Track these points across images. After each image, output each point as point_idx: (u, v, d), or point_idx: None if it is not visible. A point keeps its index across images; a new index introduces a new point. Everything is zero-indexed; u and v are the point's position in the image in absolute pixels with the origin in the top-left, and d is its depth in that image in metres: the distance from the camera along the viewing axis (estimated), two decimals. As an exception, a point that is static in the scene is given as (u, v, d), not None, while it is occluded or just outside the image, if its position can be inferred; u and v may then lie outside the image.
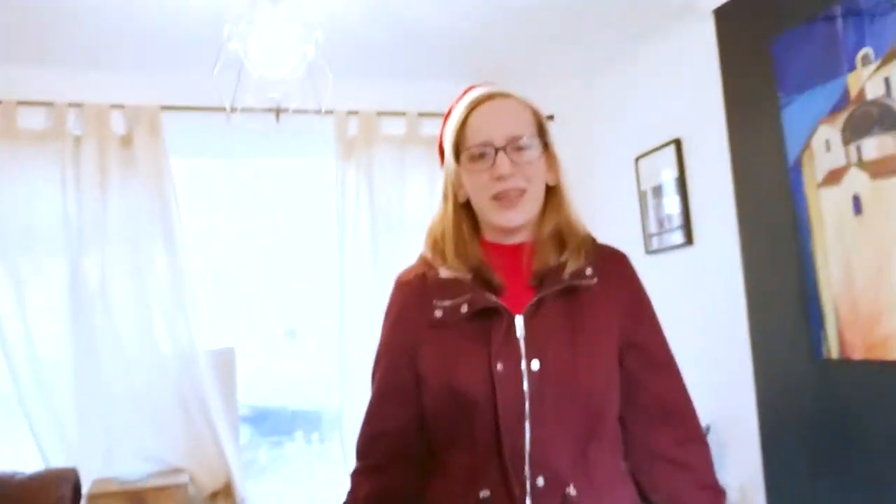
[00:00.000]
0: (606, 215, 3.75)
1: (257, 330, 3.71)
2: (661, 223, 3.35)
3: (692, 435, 1.22)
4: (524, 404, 1.08)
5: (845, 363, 2.27)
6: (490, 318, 1.13)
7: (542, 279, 1.17)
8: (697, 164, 3.10)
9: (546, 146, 1.22)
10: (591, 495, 1.09)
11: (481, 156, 1.16)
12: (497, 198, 1.16)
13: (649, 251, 3.42)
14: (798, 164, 2.40)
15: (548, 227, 1.21)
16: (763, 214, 2.62)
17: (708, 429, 3.00)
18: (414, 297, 1.20)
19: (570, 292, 1.16)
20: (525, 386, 1.08)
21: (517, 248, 1.20)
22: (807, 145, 2.35)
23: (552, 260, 1.18)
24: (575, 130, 3.81)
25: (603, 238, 3.34)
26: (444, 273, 1.18)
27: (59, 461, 2.93)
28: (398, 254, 3.43)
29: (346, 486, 1.23)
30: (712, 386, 3.02)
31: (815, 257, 2.36)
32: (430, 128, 3.60)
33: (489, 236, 1.22)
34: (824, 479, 2.38)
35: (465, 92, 1.27)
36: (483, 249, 1.21)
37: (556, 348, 1.11)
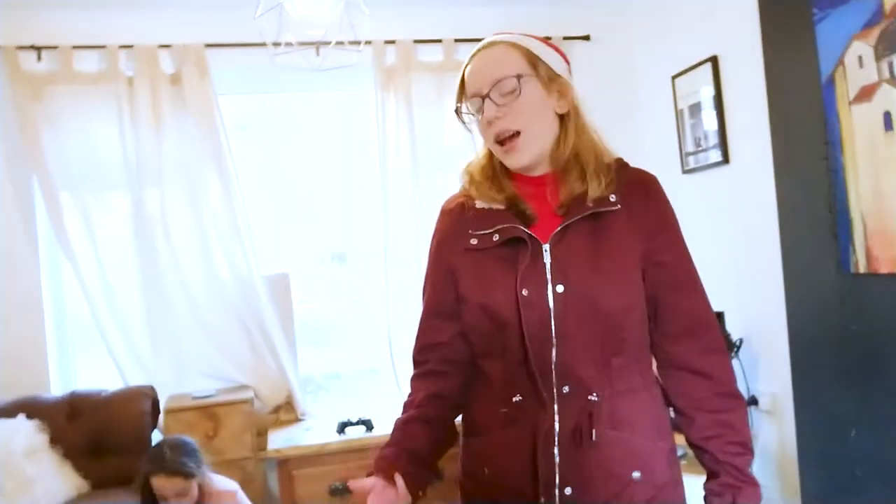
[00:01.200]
0: (644, 135, 3.79)
1: (307, 254, 3.89)
2: (697, 142, 3.38)
3: (712, 346, 1.30)
4: (550, 324, 1.20)
5: (872, 277, 2.34)
6: (519, 246, 1.24)
7: (568, 207, 1.26)
8: (734, 81, 3.10)
9: (544, 79, 1.27)
10: (612, 400, 1.23)
11: (477, 108, 1.27)
12: (498, 142, 1.26)
13: (686, 170, 3.46)
14: (831, 81, 2.41)
15: (564, 155, 1.28)
16: (796, 131, 2.65)
17: (741, 341, 3.12)
18: (454, 224, 1.32)
19: (595, 217, 1.25)
20: (551, 307, 1.20)
21: (542, 179, 1.30)
22: (840, 61, 2.35)
23: (576, 188, 1.26)
24: (611, 50, 3.81)
25: (640, 158, 3.47)
26: (480, 204, 1.29)
27: (136, 380, 3.22)
28: (438, 178, 3.57)
29: (406, 391, 1.41)
30: (746, 301, 3.13)
31: (845, 174, 2.39)
32: (467, 54, 3.64)
33: (517, 169, 1.32)
34: (850, 390, 2.49)
35: None
36: (514, 182, 1.31)
37: (579, 273, 1.22)
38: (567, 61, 1.34)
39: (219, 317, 3.39)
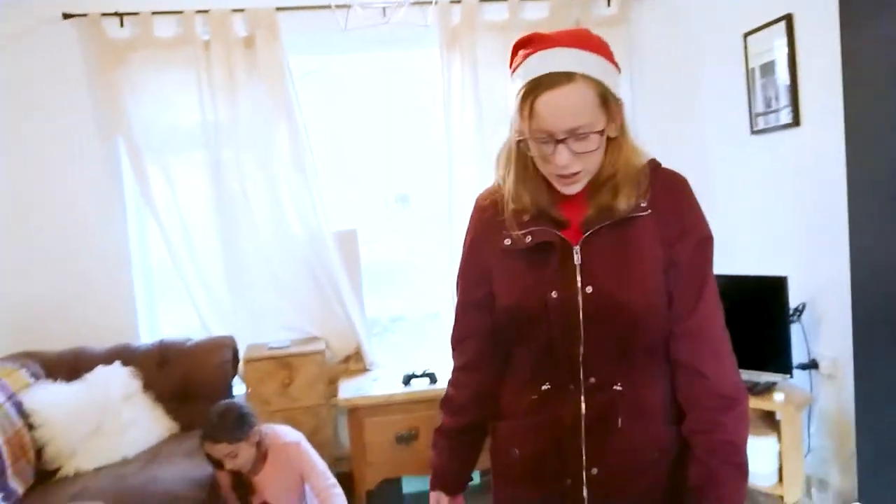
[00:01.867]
0: (712, 94, 3.72)
1: (373, 197, 3.99)
2: (768, 102, 3.31)
3: (714, 350, 1.33)
4: (579, 323, 1.27)
5: (939, 250, 2.31)
6: (549, 250, 1.29)
7: (599, 213, 1.29)
8: (808, 41, 3.01)
9: (614, 109, 1.26)
10: (634, 390, 1.31)
11: (544, 142, 1.24)
12: (558, 175, 1.28)
13: (755, 131, 3.40)
14: (908, 48, 2.34)
15: (606, 174, 1.30)
16: (870, 95, 2.58)
17: (803, 306, 3.12)
18: (489, 222, 1.37)
19: (625, 223, 1.29)
20: (580, 307, 1.27)
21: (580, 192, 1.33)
22: (918, 29, 2.28)
23: (608, 199, 1.29)
24: (681, 6, 3.73)
25: (708, 117, 3.41)
26: (513, 205, 1.32)
27: (217, 331, 3.46)
28: (502, 131, 3.60)
29: (448, 376, 1.53)
30: (810, 265, 3.11)
31: (918, 145, 2.35)
32: (532, 12, 3.64)
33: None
34: (910, 358, 2.49)
35: (530, 41, 1.27)
36: (548, 185, 1.33)
37: (606, 275, 1.27)
38: (619, 69, 1.32)
39: (292, 272, 3.59)
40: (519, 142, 1.30)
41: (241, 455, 2.54)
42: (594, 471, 1.30)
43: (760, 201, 3.43)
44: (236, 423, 2.55)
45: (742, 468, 1.28)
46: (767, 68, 3.28)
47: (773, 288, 3.05)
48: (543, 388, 1.32)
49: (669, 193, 1.33)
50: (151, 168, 3.45)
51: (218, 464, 2.57)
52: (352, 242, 3.70)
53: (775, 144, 3.30)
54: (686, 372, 1.32)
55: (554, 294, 1.27)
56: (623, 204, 1.28)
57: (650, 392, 1.33)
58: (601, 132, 1.24)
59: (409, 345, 4.04)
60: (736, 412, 1.29)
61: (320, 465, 2.70)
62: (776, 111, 3.25)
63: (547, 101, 1.20)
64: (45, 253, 3.41)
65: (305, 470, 2.66)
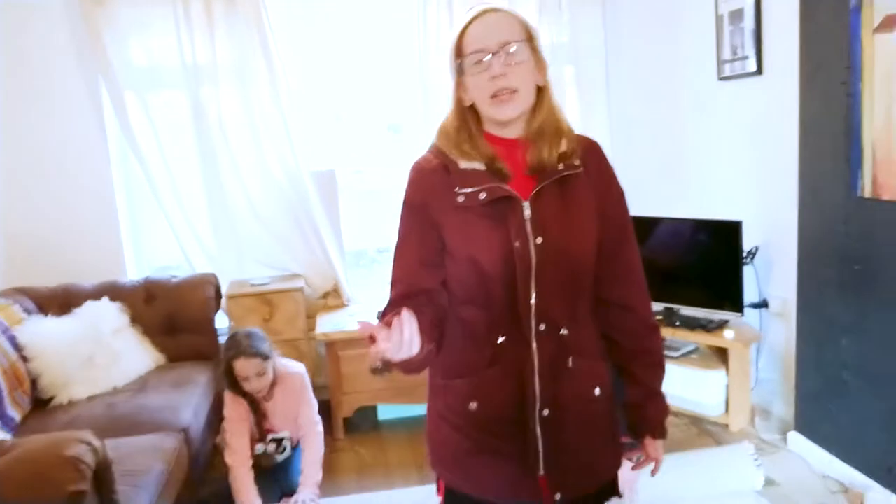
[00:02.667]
0: (682, 40, 3.80)
1: (364, 124, 4.05)
2: (734, 50, 3.40)
3: (639, 287, 1.53)
4: (531, 271, 1.39)
5: (876, 202, 2.47)
6: (504, 204, 1.40)
7: (540, 169, 1.42)
8: (774, -9, 3.08)
9: (535, 51, 1.42)
10: (576, 332, 1.45)
11: (479, 62, 1.38)
12: (494, 96, 1.38)
13: (721, 77, 3.51)
14: (858, 7, 2.43)
15: (537, 123, 1.43)
16: (822, 52, 2.69)
17: (756, 249, 3.30)
18: (438, 183, 1.44)
19: (563, 179, 1.42)
20: (532, 256, 1.39)
21: (514, 142, 1.45)
22: (869, -12, 2.37)
23: (545, 152, 1.42)
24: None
25: (679, 62, 3.57)
26: (463, 164, 1.42)
27: (200, 267, 3.60)
28: None
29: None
30: (764, 211, 3.27)
31: (862, 100, 2.47)
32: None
33: (491, 129, 1.45)
34: (846, 301, 2.68)
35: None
36: (489, 142, 1.44)
37: (554, 227, 1.40)
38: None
39: (273, 210, 3.71)
40: (461, 102, 1.45)
41: (267, 374, 2.71)
42: (545, 412, 1.43)
43: (723, 147, 3.56)
44: (265, 342, 2.74)
45: (663, 374, 1.57)
46: (736, 15, 3.36)
47: (729, 232, 3.22)
48: (499, 341, 1.43)
49: (594, 154, 1.49)
50: (132, 107, 3.51)
51: (237, 388, 2.69)
52: (331, 182, 3.81)
53: (739, 92, 3.41)
54: (617, 308, 1.51)
55: (517, 244, 1.39)
56: (563, 157, 1.42)
57: (589, 332, 1.49)
58: (530, 46, 1.41)
59: (386, 279, 4.20)
60: (658, 338, 1.55)
61: (314, 401, 2.89)
62: (742, 59, 3.34)
63: (481, 22, 1.41)
64: (32, 191, 3.51)
65: (301, 401, 2.84)
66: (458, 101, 1.46)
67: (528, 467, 1.45)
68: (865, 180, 2.50)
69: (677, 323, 3.39)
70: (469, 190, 1.40)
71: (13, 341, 2.80)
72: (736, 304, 3.25)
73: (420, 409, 3.57)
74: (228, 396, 2.75)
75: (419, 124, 3.89)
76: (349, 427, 3.52)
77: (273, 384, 2.78)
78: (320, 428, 2.88)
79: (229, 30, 3.54)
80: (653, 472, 1.60)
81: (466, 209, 1.41)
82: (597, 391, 1.49)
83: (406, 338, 1.19)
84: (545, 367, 1.43)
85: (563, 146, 1.43)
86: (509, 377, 1.44)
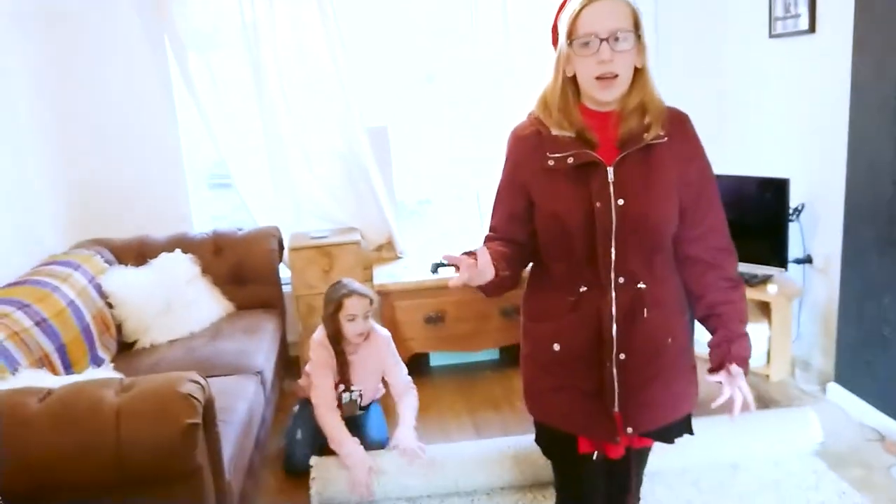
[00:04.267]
0: (734, -4, 3.80)
1: (401, 75, 4.12)
2: (787, 7, 3.41)
3: (722, 245, 1.66)
4: (612, 229, 1.55)
5: (925, 163, 2.54)
6: (589, 168, 1.56)
7: (628, 139, 1.56)
8: (830, -53, 3.08)
9: (639, 38, 1.53)
10: (652, 287, 1.61)
11: (587, 44, 1.51)
12: (598, 78, 1.53)
13: (773, 35, 3.52)
14: (916, -31, 2.46)
15: (633, 102, 1.57)
16: (878, 14, 2.72)
17: (802, 206, 3.37)
18: (531, 148, 1.62)
19: (648, 148, 1.57)
20: (613, 216, 1.55)
21: (608, 115, 1.59)
22: (927, -49, 2.39)
23: (635, 127, 1.56)
24: None
25: (729, 19, 3.63)
26: (555, 131, 1.59)
27: (262, 220, 3.79)
28: (526, 11, 3.84)
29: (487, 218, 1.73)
30: (811, 168, 3.33)
31: (916, 63, 2.51)
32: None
33: (588, 104, 1.60)
34: (890, 258, 2.77)
35: None
36: (583, 114, 1.60)
37: (635, 191, 1.55)
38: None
39: (329, 166, 3.87)
40: (564, 73, 1.58)
41: (370, 319, 2.84)
42: (622, 356, 1.61)
43: (773, 105, 3.60)
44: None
45: (746, 322, 1.67)
46: (790, -28, 3.35)
47: (776, 188, 3.30)
48: (581, 290, 1.61)
49: (680, 126, 1.62)
50: (195, 65, 3.66)
51: (337, 334, 2.78)
52: (383, 138, 3.94)
53: (790, 50, 3.43)
54: (702, 264, 1.66)
55: (598, 204, 1.55)
56: (652, 131, 1.56)
57: (666, 287, 1.65)
58: (637, 36, 1.53)
59: (436, 232, 4.36)
60: (741, 292, 1.68)
61: (401, 362, 3.00)
62: (795, 17, 3.36)
63: (595, 8, 1.51)
64: (102, 146, 3.69)
65: (389, 362, 2.94)
66: (562, 72, 1.59)
67: (604, 404, 1.63)
68: (915, 142, 2.56)
69: (721, 277, 3.49)
70: (558, 155, 1.57)
71: (98, 289, 3.02)
72: (781, 260, 3.34)
73: (469, 357, 3.80)
74: (316, 342, 2.83)
75: (452, 76, 4.00)
76: (403, 372, 3.72)
77: (365, 336, 2.86)
78: (415, 388, 2.97)
79: (287, -11, 3.65)
80: (733, 410, 1.60)
81: (555, 171, 1.58)
82: (669, 340, 1.65)
83: (481, 267, 1.45)
84: (622, 316, 1.60)
85: (651, 118, 1.56)
86: (589, 323, 1.61)
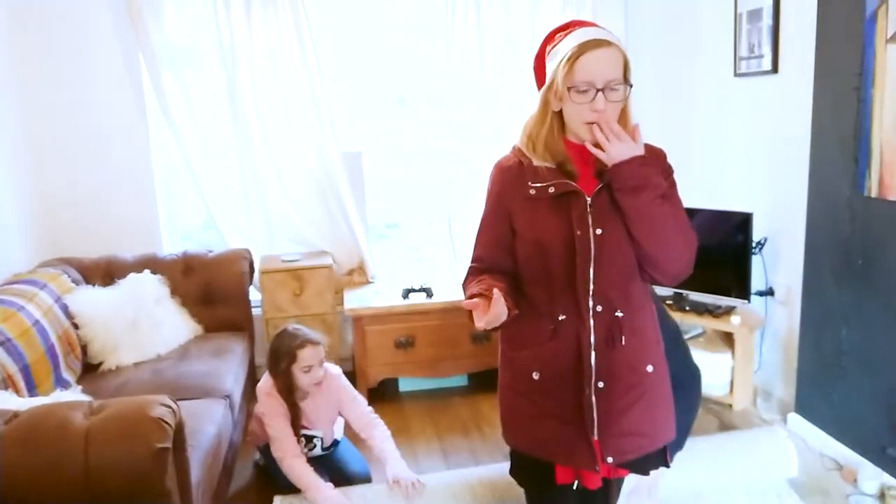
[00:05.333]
0: (701, 35, 3.93)
1: (372, 98, 4.14)
2: (751, 48, 3.54)
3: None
4: (590, 257, 1.60)
5: (881, 202, 2.64)
6: (569, 197, 1.61)
7: (604, 172, 1.61)
8: (793, -6, 3.22)
9: (627, 83, 1.58)
10: (629, 315, 1.66)
11: (584, 91, 1.55)
12: (589, 122, 1.58)
13: (737, 74, 3.65)
14: (874, 17, 2.58)
15: None
16: (836, 57, 2.84)
17: (765, 240, 3.47)
18: (513, 178, 1.67)
19: None
20: (591, 244, 1.60)
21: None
22: (884, 0, 2.51)
23: None
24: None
25: (697, 58, 3.74)
26: (537, 162, 1.64)
27: (235, 243, 3.78)
28: (499, 37, 3.93)
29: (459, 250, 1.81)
30: (774, 204, 3.44)
31: (873, 105, 2.63)
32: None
33: (570, 137, 1.66)
34: (848, 290, 2.87)
35: (569, 25, 1.63)
36: (565, 146, 1.65)
37: (612, 221, 1.61)
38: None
39: (302, 189, 3.87)
40: (548, 108, 1.63)
41: (323, 364, 2.68)
42: (601, 384, 1.64)
43: (737, 142, 3.72)
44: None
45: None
46: (754, 15, 3.49)
47: (740, 222, 3.40)
48: (560, 318, 1.65)
49: (656, 161, 1.68)
50: (170, 85, 3.64)
51: (290, 385, 2.63)
52: (357, 163, 3.97)
53: (754, 88, 3.56)
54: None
55: (579, 232, 1.60)
56: None
57: (643, 315, 1.70)
58: (627, 85, 1.58)
59: (406, 256, 4.39)
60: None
61: (359, 395, 2.83)
62: (759, 57, 3.48)
63: (593, 57, 1.55)
64: (71, 164, 3.65)
65: (345, 400, 2.78)
66: (547, 105, 1.64)
67: (583, 432, 1.66)
68: (872, 181, 2.67)
69: (686, 307, 3.58)
70: (540, 184, 1.63)
71: (65, 309, 2.98)
72: (743, 292, 3.43)
73: (438, 383, 3.81)
74: (263, 392, 2.69)
75: (424, 100, 4.08)
76: (372, 397, 3.71)
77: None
78: (377, 416, 2.80)
79: (264, 11, 3.67)
80: None
81: (537, 200, 1.63)
82: (649, 368, 1.69)
83: (498, 313, 1.53)
84: (600, 343, 1.64)
85: None
86: (568, 350, 1.65)
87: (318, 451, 2.81)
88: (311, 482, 2.52)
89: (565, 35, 1.62)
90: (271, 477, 2.83)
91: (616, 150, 1.56)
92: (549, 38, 1.66)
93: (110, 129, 3.69)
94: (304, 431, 2.73)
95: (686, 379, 2.44)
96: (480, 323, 1.52)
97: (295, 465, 2.58)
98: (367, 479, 2.80)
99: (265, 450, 2.85)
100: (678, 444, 2.43)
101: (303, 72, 3.74)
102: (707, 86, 3.92)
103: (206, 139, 3.75)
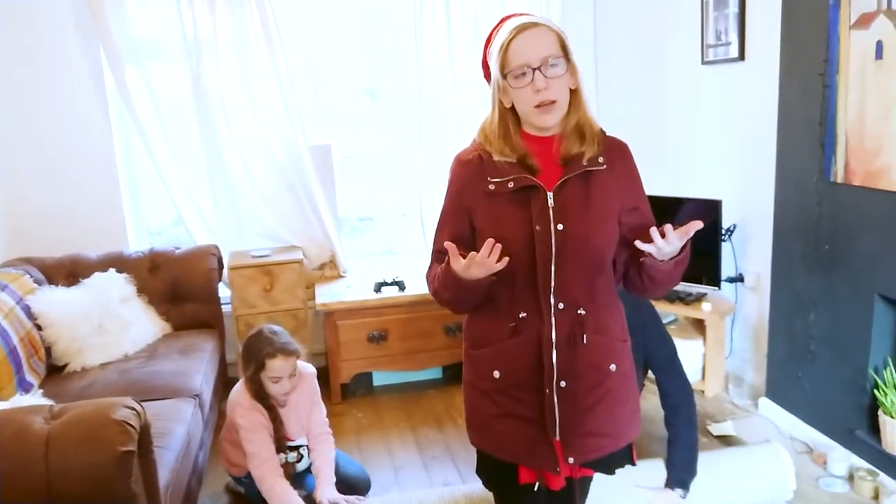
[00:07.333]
0: (669, 23, 3.94)
1: (341, 89, 4.11)
2: (718, 35, 3.55)
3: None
4: (551, 254, 1.57)
5: (847, 187, 2.66)
6: (529, 192, 1.58)
7: (567, 163, 1.59)
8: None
9: (569, 61, 1.57)
10: (593, 313, 1.63)
11: (522, 74, 1.53)
12: (537, 106, 1.55)
13: (705, 62, 3.66)
14: (837, 4, 2.59)
15: (571, 122, 1.60)
16: (802, 44, 2.85)
17: (734, 226, 3.49)
18: (473, 172, 1.64)
19: (587, 174, 1.59)
20: (553, 240, 1.57)
21: (550, 139, 1.62)
22: (847, -14, 2.53)
23: (574, 148, 1.59)
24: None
25: (664, 46, 3.73)
26: (496, 157, 1.61)
27: (201, 238, 3.72)
28: (469, 28, 3.89)
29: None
30: (743, 190, 3.46)
31: (837, 92, 2.64)
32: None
33: (529, 130, 1.63)
34: (816, 276, 2.89)
35: (502, 22, 1.62)
36: (524, 140, 1.62)
37: (575, 215, 1.57)
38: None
39: (272, 183, 3.82)
40: (502, 104, 1.60)
41: (296, 374, 2.54)
42: (562, 383, 1.61)
43: (705, 129, 3.73)
44: (292, 338, 2.54)
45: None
46: (721, 2, 3.50)
47: (709, 209, 3.41)
48: (521, 315, 1.62)
49: (620, 154, 1.66)
50: (133, 79, 3.57)
51: (261, 393, 2.50)
52: (326, 156, 3.92)
53: (721, 76, 3.57)
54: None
55: (538, 228, 1.57)
56: (588, 153, 1.59)
57: (608, 313, 1.67)
58: (567, 59, 1.56)
59: (379, 249, 4.35)
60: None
61: (322, 404, 2.72)
62: (726, 45, 3.50)
63: (523, 39, 1.54)
64: (33, 162, 3.57)
65: (314, 402, 2.67)
66: (499, 104, 1.61)
67: (545, 432, 1.62)
68: (838, 166, 2.69)
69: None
70: (499, 179, 1.59)
71: (27, 310, 2.91)
72: (713, 279, 3.45)
73: (412, 377, 3.79)
74: (243, 406, 2.50)
75: (397, 91, 4.03)
76: (346, 392, 3.69)
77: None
78: (330, 431, 2.71)
79: (229, 2, 3.60)
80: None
81: (496, 195, 1.59)
82: (612, 367, 1.65)
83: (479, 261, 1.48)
84: (562, 342, 1.60)
85: (592, 144, 1.60)
86: (528, 349, 1.62)
87: (306, 461, 2.67)
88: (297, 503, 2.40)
89: (497, 31, 1.62)
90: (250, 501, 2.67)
91: (671, 250, 1.52)
92: (488, 41, 1.65)
93: (72, 125, 3.61)
94: (288, 443, 2.59)
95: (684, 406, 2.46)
96: (458, 265, 1.49)
97: (276, 486, 2.41)
98: (367, 484, 2.75)
99: (244, 481, 2.66)
100: (690, 470, 2.36)
101: (269, 64, 3.67)
102: (675, 74, 3.93)
103: (172, 134, 3.68)
